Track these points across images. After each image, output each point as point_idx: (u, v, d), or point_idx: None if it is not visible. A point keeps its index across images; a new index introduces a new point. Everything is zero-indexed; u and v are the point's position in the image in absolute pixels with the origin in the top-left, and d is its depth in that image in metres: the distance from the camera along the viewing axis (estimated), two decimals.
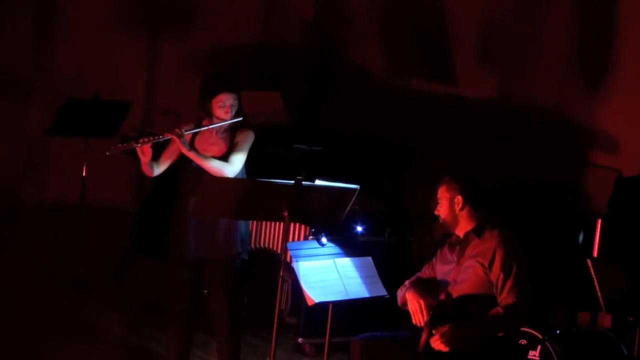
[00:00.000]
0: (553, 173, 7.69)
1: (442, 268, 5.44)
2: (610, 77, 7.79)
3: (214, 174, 5.66)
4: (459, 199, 5.36)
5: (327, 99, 8.82)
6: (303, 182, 5.29)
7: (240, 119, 5.81)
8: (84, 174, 8.07)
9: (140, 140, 5.68)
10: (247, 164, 5.91)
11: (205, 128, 5.79)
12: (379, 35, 9.43)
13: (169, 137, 5.69)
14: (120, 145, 5.76)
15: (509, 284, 5.15)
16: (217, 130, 5.85)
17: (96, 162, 8.12)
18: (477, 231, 5.34)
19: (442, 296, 5.28)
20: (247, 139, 5.85)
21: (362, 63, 9.49)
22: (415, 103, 8.96)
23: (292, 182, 5.28)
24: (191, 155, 5.70)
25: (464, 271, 5.29)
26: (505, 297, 5.15)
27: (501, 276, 5.17)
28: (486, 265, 5.21)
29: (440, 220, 5.45)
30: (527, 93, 8.28)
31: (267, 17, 10.19)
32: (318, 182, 5.41)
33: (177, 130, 5.69)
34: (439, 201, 5.43)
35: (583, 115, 7.93)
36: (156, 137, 5.69)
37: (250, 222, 6.99)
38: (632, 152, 7.48)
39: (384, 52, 9.39)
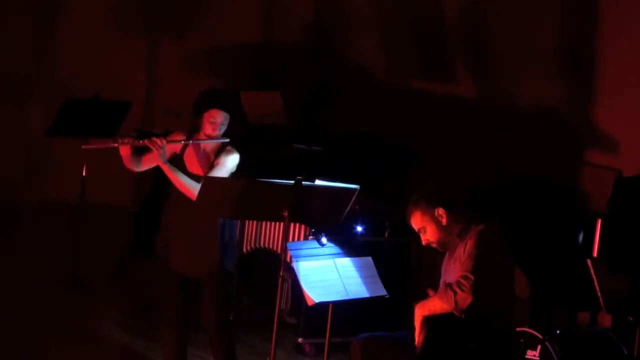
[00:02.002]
0: (553, 173, 7.69)
1: (444, 269, 5.45)
2: (610, 77, 7.79)
3: (184, 192, 5.66)
4: (440, 211, 5.27)
5: (327, 99, 8.83)
6: (303, 182, 5.29)
7: (227, 140, 5.79)
8: (84, 174, 8.08)
9: (120, 140, 5.71)
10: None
11: (189, 142, 5.78)
12: (378, 35, 9.44)
13: (147, 145, 5.69)
14: (98, 142, 5.76)
15: (465, 266, 5.09)
16: (204, 148, 5.85)
17: (96, 162, 8.12)
18: (460, 233, 5.27)
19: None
20: (229, 161, 5.79)
21: (362, 63, 9.50)
22: (415, 103, 8.96)
23: (292, 182, 5.28)
24: (165, 167, 5.70)
25: (451, 272, 5.29)
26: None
27: (463, 261, 5.15)
28: (462, 259, 5.19)
29: (436, 246, 5.33)
30: (526, 93, 8.28)
31: (267, 17, 10.20)
32: (318, 182, 5.41)
33: (157, 140, 5.68)
34: (422, 230, 5.31)
35: (583, 115, 7.93)
36: (135, 141, 5.72)
37: (250, 222, 7.01)
38: (632, 152, 7.48)
39: (383, 53, 9.40)
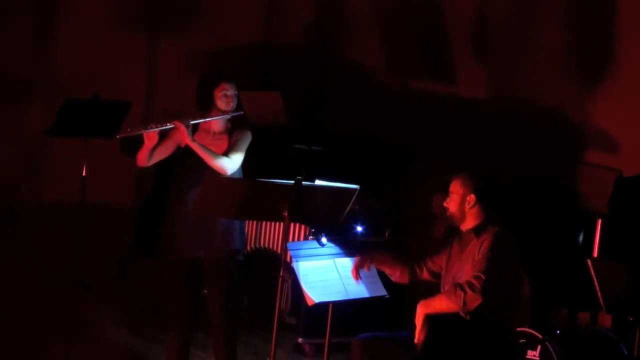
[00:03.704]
0: (553, 173, 7.69)
1: (450, 264, 5.44)
2: (610, 76, 7.79)
3: (214, 168, 5.67)
4: (472, 197, 5.35)
5: (327, 99, 8.82)
6: (303, 182, 5.29)
7: (241, 112, 5.84)
8: (84, 174, 8.07)
9: (148, 126, 5.71)
10: (247, 164, 5.91)
11: (210, 119, 5.81)
12: (378, 35, 9.44)
13: (175, 125, 5.69)
14: (129, 129, 5.77)
15: (477, 265, 5.13)
16: (215, 130, 5.85)
17: (96, 162, 8.12)
18: (477, 230, 5.32)
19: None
20: (245, 137, 5.86)
21: (362, 63, 9.49)
22: (415, 103, 8.96)
23: (292, 182, 5.28)
24: (194, 145, 5.70)
25: (461, 268, 5.31)
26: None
27: (477, 260, 5.16)
28: (475, 258, 5.21)
29: (447, 213, 5.43)
30: (526, 92, 8.28)
31: (267, 17, 10.20)
32: (318, 182, 5.41)
33: (184, 119, 5.71)
34: (450, 194, 5.41)
35: (583, 114, 7.93)
36: (163, 124, 5.72)
37: (250, 222, 7.00)
38: (632, 152, 7.48)
39: (384, 52, 9.40)
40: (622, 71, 7.69)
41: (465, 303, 5.04)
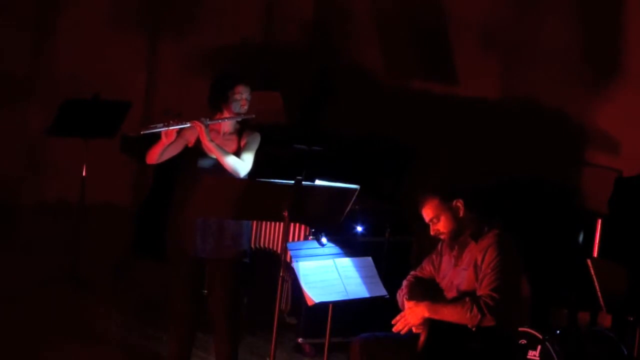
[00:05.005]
0: (553, 173, 7.69)
1: (444, 267, 5.41)
2: (611, 77, 7.79)
3: (228, 168, 5.70)
4: (459, 202, 5.22)
5: (327, 99, 8.83)
6: (303, 182, 5.29)
7: (253, 116, 5.85)
8: (84, 174, 8.07)
9: (169, 124, 5.72)
10: None
11: (223, 120, 5.82)
12: (379, 35, 9.44)
13: (193, 125, 5.71)
14: (150, 126, 5.76)
15: (488, 279, 5.09)
16: (225, 131, 5.87)
17: (96, 162, 8.12)
18: (475, 235, 5.26)
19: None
20: (256, 140, 5.89)
21: (362, 63, 9.50)
22: (415, 103, 8.96)
23: (292, 182, 5.28)
24: (211, 145, 5.71)
25: (459, 274, 5.26)
26: (481, 289, 5.11)
27: (486, 272, 5.12)
28: (479, 264, 5.17)
29: (446, 237, 5.28)
30: (527, 93, 8.28)
31: (267, 17, 10.20)
32: (318, 182, 5.41)
33: (202, 119, 5.72)
34: (435, 220, 5.26)
35: (583, 115, 7.94)
36: (182, 122, 5.72)
37: (250, 222, 7.00)
38: (632, 152, 7.48)
39: (384, 52, 9.40)
40: (624, 72, 7.69)
41: (480, 322, 5.03)
